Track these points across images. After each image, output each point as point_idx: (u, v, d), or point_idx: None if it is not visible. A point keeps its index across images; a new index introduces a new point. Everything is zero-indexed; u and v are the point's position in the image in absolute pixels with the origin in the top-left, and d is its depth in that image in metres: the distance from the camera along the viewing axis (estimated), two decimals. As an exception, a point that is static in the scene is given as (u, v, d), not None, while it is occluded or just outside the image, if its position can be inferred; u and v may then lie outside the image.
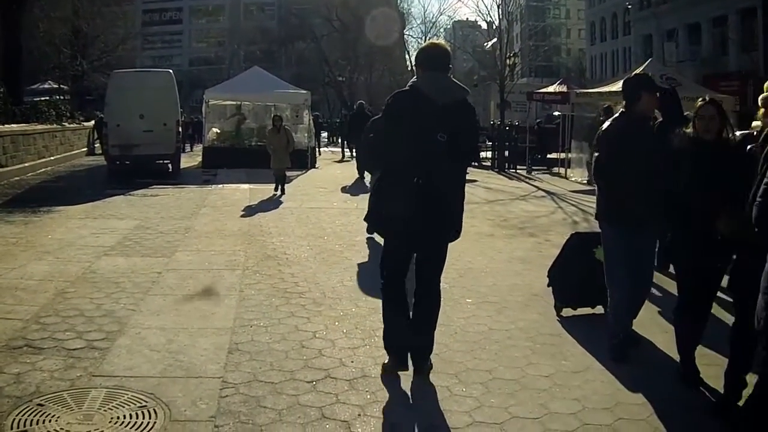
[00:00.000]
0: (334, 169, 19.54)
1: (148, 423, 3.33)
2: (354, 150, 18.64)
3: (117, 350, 4.30)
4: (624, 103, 4.38)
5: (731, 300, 3.85)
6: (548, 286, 5.42)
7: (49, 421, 3.31)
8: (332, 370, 4.07)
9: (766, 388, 3.08)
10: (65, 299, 5.38)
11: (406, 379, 3.96)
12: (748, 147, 3.58)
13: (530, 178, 17.28)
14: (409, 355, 4.02)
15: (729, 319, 4.64)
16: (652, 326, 4.95)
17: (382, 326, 4.11)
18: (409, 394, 3.82)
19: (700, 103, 3.98)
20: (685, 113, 4.26)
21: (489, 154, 20.85)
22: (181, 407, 3.51)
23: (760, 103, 3.70)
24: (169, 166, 16.41)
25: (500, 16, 28.19)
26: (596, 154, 4.32)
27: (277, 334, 4.70)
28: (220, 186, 14.12)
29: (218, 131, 19.99)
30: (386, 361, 4.07)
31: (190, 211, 10.41)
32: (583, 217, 10.45)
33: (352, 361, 4.22)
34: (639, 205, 4.14)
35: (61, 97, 25.77)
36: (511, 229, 9.37)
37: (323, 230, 8.99)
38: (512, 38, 33.93)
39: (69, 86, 29.41)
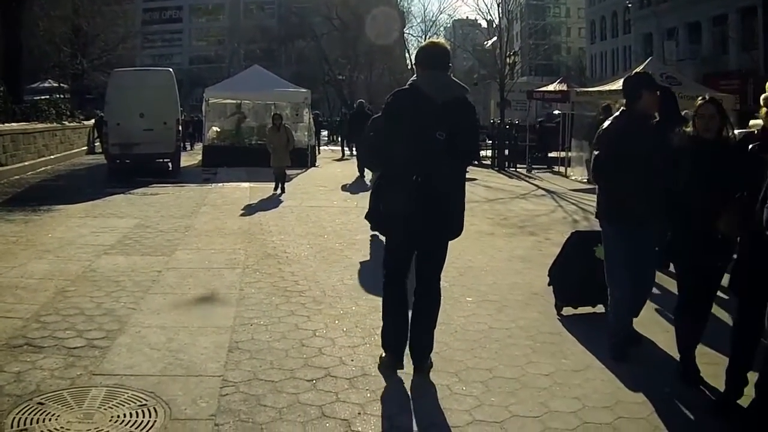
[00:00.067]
0: (334, 167, 19.54)
1: (149, 421, 3.33)
2: (354, 148, 18.63)
3: (117, 349, 4.30)
4: (624, 101, 4.38)
5: (731, 299, 3.85)
6: (548, 284, 5.42)
7: (50, 419, 3.31)
8: (332, 369, 4.07)
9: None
10: (65, 298, 5.39)
11: (406, 377, 3.96)
12: (750, 147, 3.58)
13: (530, 177, 17.27)
14: (406, 354, 4.03)
15: (729, 318, 4.65)
16: (653, 325, 4.95)
17: (381, 324, 4.12)
18: (409, 392, 3.82)
19: (700, 101, 3.98)
20: (685, 112, 4.25)
21: (489, 153, 20.83)
22: (182, 406, 3.51)
23: (762, 103, 3.70)
24: (169, 164, 16.40)
25: (500, 15, 28.28)
26: (596, 152, 4.31)
27: (277, 333, 4.70)
28: (220, 184, 14.11)
29: (218, 130, 19.99)
30: (383, 355, 4.09)
31: (190, 209, 10.41)
32: (584, 216, 10.44)
33: (352, 360, 4.22)
34: (639, 204, 4.13)
35: (61, 96, 25.71)
36: (511, 228, 9.37)
37: (323, 229, 8.98)
38: (512, 37, 33.99)
39: (69, 85, 29.37)
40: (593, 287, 4.88)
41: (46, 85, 28.28)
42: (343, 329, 4.81)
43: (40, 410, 3.40)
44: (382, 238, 4.31)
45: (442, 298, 4.11)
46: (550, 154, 19.83)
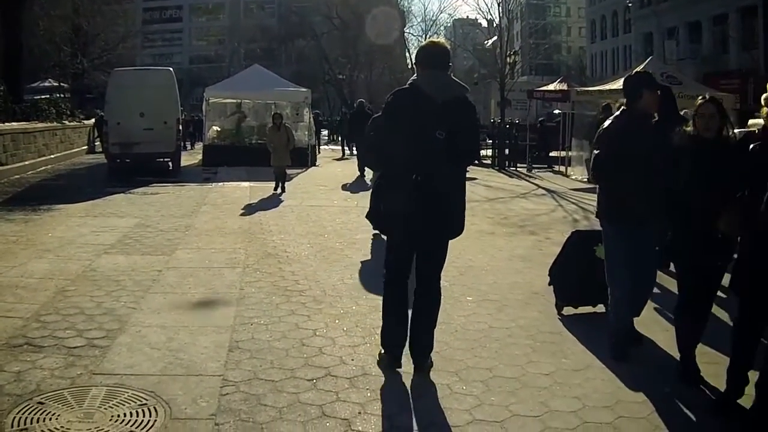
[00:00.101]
0: (335, 166, 19.54)
1: (149, 421, 3.33)
2: (354, 148, 18.62)
3: (117, 348, 4.30)
4: (625, 101, 4.37)
5: (731, 299, 3.85)
6: (549, 284, 5.42)
7: (50, 419, 3.31)
8: (332, 368, 4.07)
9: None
10: (65, 297, 5.38)
11: (406, 376, 3.96)
12: (751, 146, 3.57)
13: (531, 176, 17.27)
14: (405, 353, 4.03)
15: (729, 318, 4.65)
16: (653, 324, 4.95)
17: (382, 323, 4.12)
18: (410, 391, 3.82)
19: (700, 101, 3.98)
20: (685, 111, 4.25)
21: (489, 152, 20.83)
22: (182, 405, 3.51)
23: (763, 102, 3.69)
24: (170, 164, 16.39)
25: (500, 14, 28.29)
26: (596, 151, 4.31)
27: (277, 332, 4.70)
28: (221, 184, 14.11)
29: (218, 129, 19.99)
30: (382, 351, 4.10)
31: (191, 209, 10.41)
32: (584, 215, 10.44)
33: (353, 359, 4.22)
34: (640, 203, 4.13)
35: (62, 95, 25.66)
36: (511, 227, 9.37)
37: (323, 228, 8.98)
38: (512, 36, 34.00)
39: (69, 84, 29.34)
40: (593, 287, 4.88)
41: (47, 84, 28.25)
42: (344, 329, 4.81)
43: (41, 410, 3.40)
44: (384, 237, 4.31)
45: (442, 297, 4.11)
46: (550, 154, 19.83)
